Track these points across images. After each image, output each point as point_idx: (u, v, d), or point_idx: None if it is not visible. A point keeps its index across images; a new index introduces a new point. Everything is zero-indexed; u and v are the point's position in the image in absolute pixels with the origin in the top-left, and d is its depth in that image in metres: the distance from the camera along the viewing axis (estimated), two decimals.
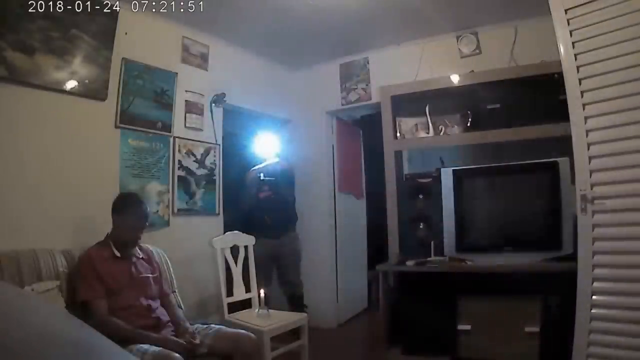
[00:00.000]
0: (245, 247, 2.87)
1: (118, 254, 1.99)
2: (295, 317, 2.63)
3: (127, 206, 2.04)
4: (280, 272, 3.47)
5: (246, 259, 2.86)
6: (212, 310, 3.01)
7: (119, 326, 1.80)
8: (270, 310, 2.63)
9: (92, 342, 0.59)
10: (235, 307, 2.74)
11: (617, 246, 1.96)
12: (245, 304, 2.81)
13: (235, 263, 2.78)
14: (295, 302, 3.38)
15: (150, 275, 2.09)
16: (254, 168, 3.44)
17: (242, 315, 2.62)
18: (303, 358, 2.54)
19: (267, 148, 3.51)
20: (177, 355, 1.67)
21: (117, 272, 1.95)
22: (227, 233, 2.85)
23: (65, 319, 0.63)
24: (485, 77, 3.06)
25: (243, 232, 2.94)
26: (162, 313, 2.04)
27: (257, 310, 2.67)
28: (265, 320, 2.48)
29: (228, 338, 1.99)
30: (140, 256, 2.12)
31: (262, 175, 3.32)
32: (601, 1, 1.98)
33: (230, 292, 2.71)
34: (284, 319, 2.57)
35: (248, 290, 2.81)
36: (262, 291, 2.70)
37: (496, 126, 2.95)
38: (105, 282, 1.89)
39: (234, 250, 2.84)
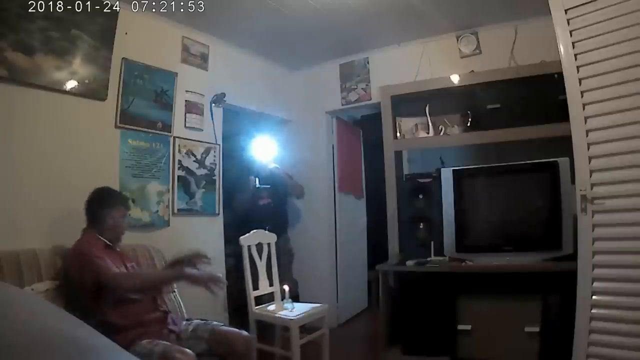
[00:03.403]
0: (268, 245, 2.99)
1: (110, 244, 1.98)
2: (318, 309, 2.77)
3: (114, 197, 2.05)
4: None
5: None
6: (214, 309, 3.00)
7: (134, 274, 1.90)
8: (295, 303, 2.77)
9: (93, 342, 0.59)
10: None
11: (617, 246, 1.96)
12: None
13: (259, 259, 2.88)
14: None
15: (134, 264, 2.10)
16: (253, 177, 3.50)
17: (268, 308, 2.78)
18: (325, 345, 2.75)
19: (265, 152, 3.58)
20: (187, 350, 1.67)
21: (114, 262, 1.91)
22: (252, 232, 2.95)
23: (66, 319, 0.63)
24: (485, 77, 3.06)
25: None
26: (165, 304, 2.05)
27: (283, 302, 2.80)
28: (292, 311, 2.66)
29: (222, 337, 1.96)
30: (119, 250, 2.09)
31: (257, 181, 3.39)
32: (601, 1, 1.98)
33: (255, 287, 2.83)
34: (308, 310, 2.72)
35: (270, 284, 2.92)
36: (285, 286, 2.82)
37: (496, 126, 2.95)
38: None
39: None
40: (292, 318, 2.55)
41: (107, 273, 1.76)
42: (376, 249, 4.03)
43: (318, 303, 2.84)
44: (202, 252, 2.01)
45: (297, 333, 2.51)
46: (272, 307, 2.79)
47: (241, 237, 2.84)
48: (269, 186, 3.48)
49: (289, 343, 2.51)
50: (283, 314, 2.64)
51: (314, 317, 2.72)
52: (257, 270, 2.85)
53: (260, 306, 2.80)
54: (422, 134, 3.31)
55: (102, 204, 2.00)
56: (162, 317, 1.95)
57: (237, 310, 3.35)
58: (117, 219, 2.01)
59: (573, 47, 2.07)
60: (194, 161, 3.07)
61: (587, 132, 2.03)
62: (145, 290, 1.89)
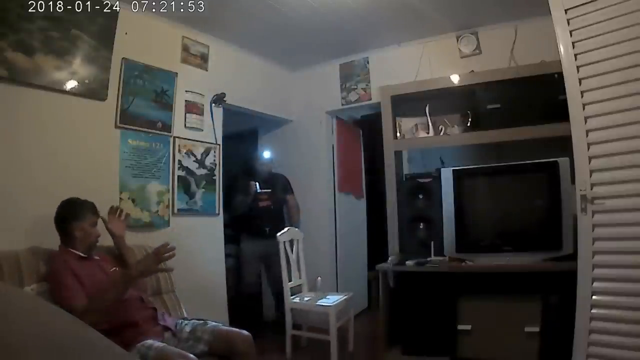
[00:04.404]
0: (297, 241, 3.33)
1: (84, 255, 1.94)
2: (345, 297, 3.14)
3: (84, 209, 1.99)
4: (269, 271, 3.62)
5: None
6: (213, 309, 3.01)
7: (93, 302, 1.74)
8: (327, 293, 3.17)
9: (94, 342, 0.59)
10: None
11: (617, 246, 1.96)
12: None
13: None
14: (282, 300, 3.52)
15: (116, 268, 2.06)
16: (253, 182, 3.55)
17: (303, 299, 3.14)
18: (350, 327, 3.15)
19: (264, 155, 3.71)
20: (190, 356, 1.66)
21: (92, 272, 1.90)
22: (286, 229, 3.26)
23: (66, 319, 0.63)
24: (485, 77, 3.06)
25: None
26: (154, 302, 2.04)
27: (316, 293, 3.16)
28: (327, 300, 3.04)
29: (223, 337, 1.95)
30: (97, 258, 2.05)
31: (257, 186, 3.49)
32: (601, 1, 1.98)
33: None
34: (341, 298, 3.10)
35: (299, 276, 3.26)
36: (319, 278, 3.20)
37: (496, 126, 2.95)
38: (87, 284, 1.82)
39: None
40: (331, 305, 2.92)
41: (72, 310, 1.66)
42: (376, 249, 4.03)
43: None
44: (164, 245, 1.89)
45: (334, 318, 2.86)
46: (305, 297, 3.16)
47: (278, 234, 3.16)
48: (269, 190, 3.57)
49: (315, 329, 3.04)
50: (321, 302, 3.00)
51: (345, 304, 3.10)
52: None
53: (294, 296, 3.13)
54: (422, 134, 3.31)
55: (68, 218, 1.95)
56: (151, 314, 1.94)
57: (238, 309, 3.36)
58: (86, 229, 1.95)
59: (573, 47, 2.07)
60: (194, 161, 3.07)
61: (587, 132, 2.03)
62: (111, 304, 1.79)
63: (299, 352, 3.18)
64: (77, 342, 0.55)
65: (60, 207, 1.98)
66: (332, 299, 3.04)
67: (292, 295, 3.11)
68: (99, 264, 2.00)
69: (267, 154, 3.72)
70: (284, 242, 3.16)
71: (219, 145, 3.30)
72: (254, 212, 3.51)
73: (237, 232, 3.64)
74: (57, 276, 1.81)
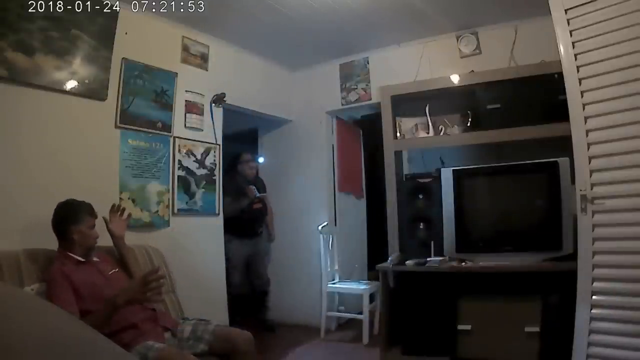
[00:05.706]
0: (335, 234, 3.76)
1: (82, 259, 1.92)
2: (373, 284, 3.51)
3: (81, 211, 1.96)
4: (253, 269, 3.76)
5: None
6: (214, 308, 3.00)
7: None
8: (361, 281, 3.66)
9: (94, 342, 0.59)
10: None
11: (617, 246, 1.96)
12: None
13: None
14: (261, 298, 3.80)
15: (117, 270, 2.05)
16: (253, 187, 3.68)
17: (338, 284, 3.65)
18: (377, 310, 3.39)
19: (257, 158, 3.93)
20: (191, 357, 1.66)
21: (91, 276, 1.88)
22: (324, 223, 3.65)
23: (66, 319, 0.63)
24: (485, 77, 3.06)
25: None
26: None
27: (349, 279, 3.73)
28: (359, 285, 3.53)
29: (224, 336, 1.94)
30: (97, 260, 2.03)
31: (256, 192, 3.65)
32: (601, 1, 1.99)
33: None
34: (371, 284, 3.52)
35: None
36: (356, 265, 3.80)
37: (496, 126, 2.94)
38: (84, 291, 1.79)
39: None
40: (364, 288, 3.40)
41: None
42: (376, 249, 4.03)
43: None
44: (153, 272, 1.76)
45: (367, 301, 3.34)
46: (339, 283, 3.67)
47: (320, 227, 3.56)
48: (265, 194, 3.75)
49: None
50: (353, 287, 3.52)
51: (374, 290, 3.46)
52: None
53: (332, 281, 3.62)
54: (422, 134, 3.31)
55: (66, 221, 1.91)
56: (152, 315, 1.92)
57: (238, 308, 3.36)
58: (84, 232, 1.92)
59: (573, 47, 2.07)
60: (194, 161, 3.07)
61: (587, 132, 2.03)
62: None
63: (330, 333, 3.62)
64: (77, 342, 0.55)
65: (58, 210, 1.95)
66: (365, 285, 3.50)
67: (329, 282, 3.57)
68: (97, 267, 1.98)
69: (260, 159, 3.88)
70: (323, 235, 3.57)
71: (219, 145, 3.30)
72: (249, 214, 3.61)
73: (229, 233, 3.61)
74: (52, 284, 1.79)
